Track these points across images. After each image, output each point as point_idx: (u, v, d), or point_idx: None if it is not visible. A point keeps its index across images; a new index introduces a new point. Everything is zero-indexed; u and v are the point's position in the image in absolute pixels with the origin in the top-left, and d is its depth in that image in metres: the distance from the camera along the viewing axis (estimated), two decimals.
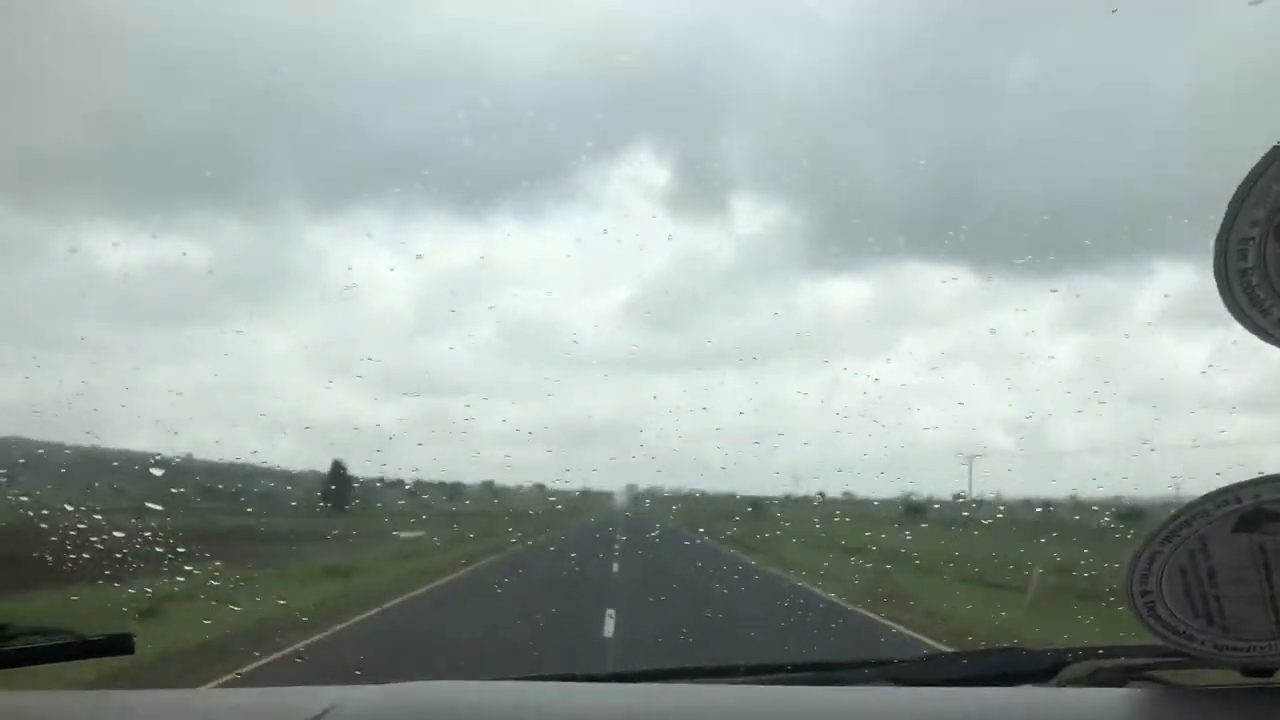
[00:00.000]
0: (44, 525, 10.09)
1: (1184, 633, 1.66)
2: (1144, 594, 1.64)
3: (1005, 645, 2.21)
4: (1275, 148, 1.25)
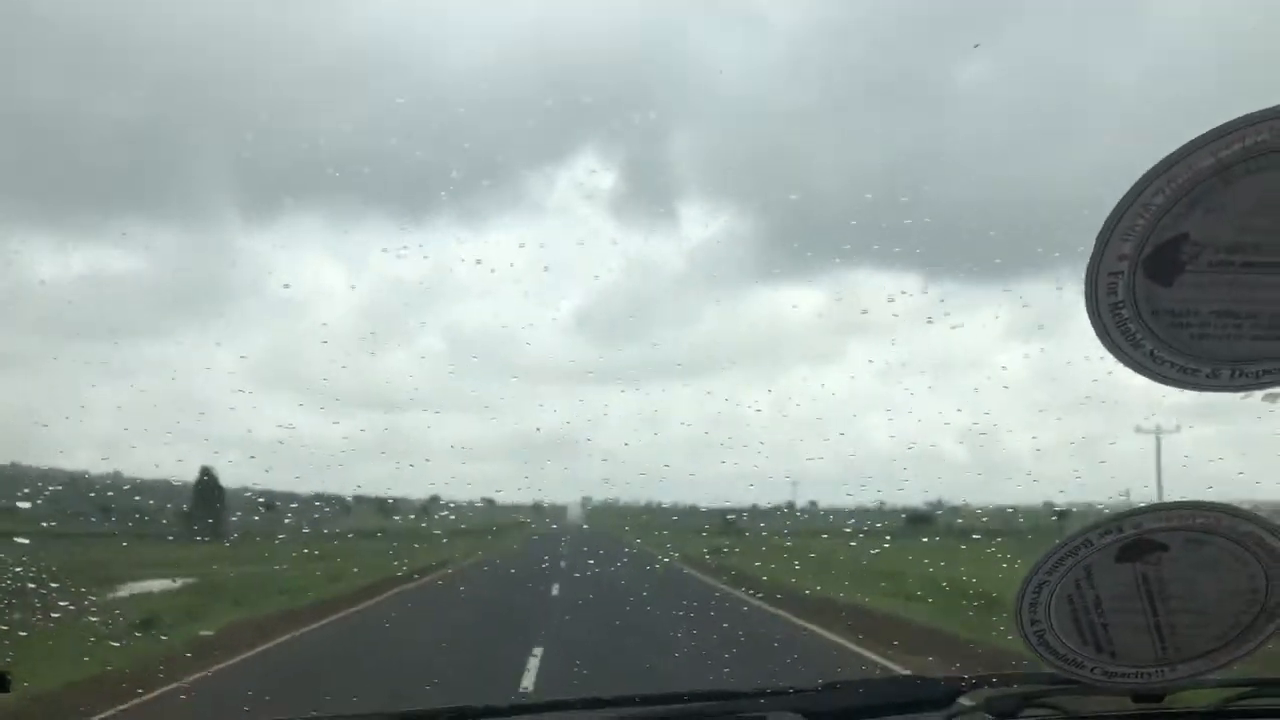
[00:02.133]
0: None
1: (1074, 660, 1.67)
2: (1033, 622, 1.65)
3: (902, 674, 2.22)
4: (1137, 182, 1.25)
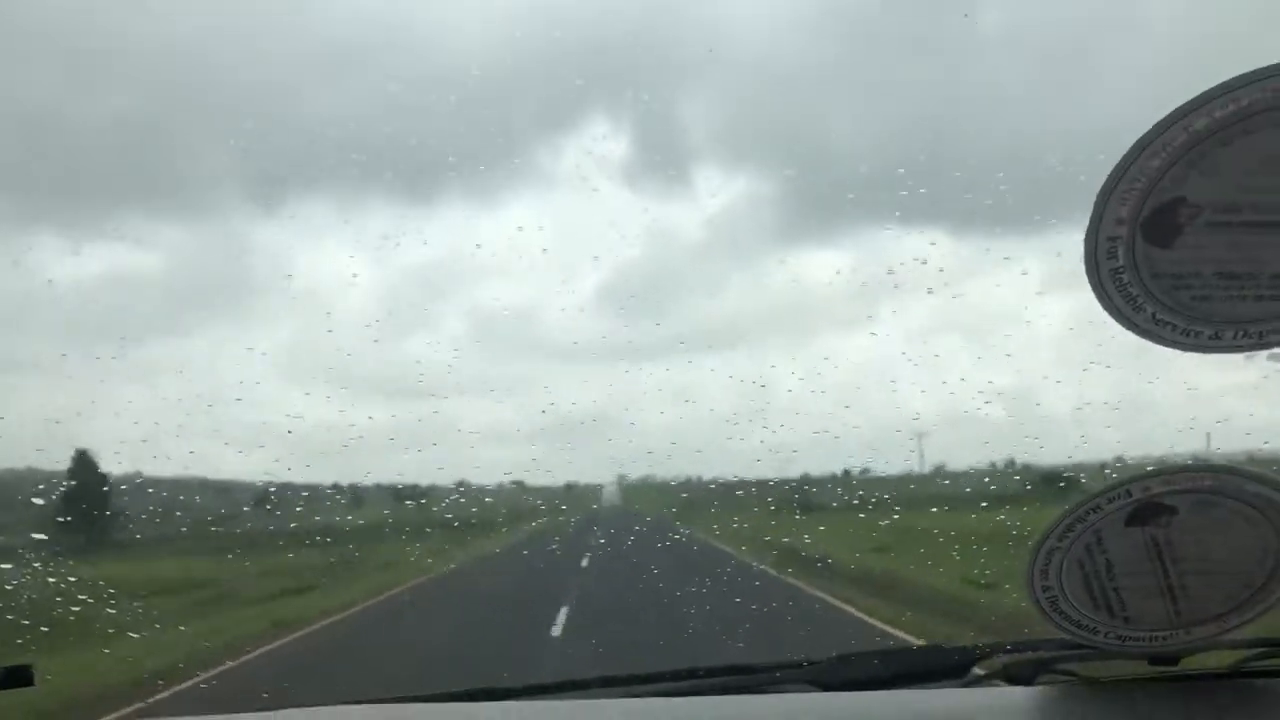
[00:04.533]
0: None
1: (1087, 626, 1.68)
2: (1045, 589, 1.65)
3: (916, 644, 2.23)
4: (1132, 146, 1.25)
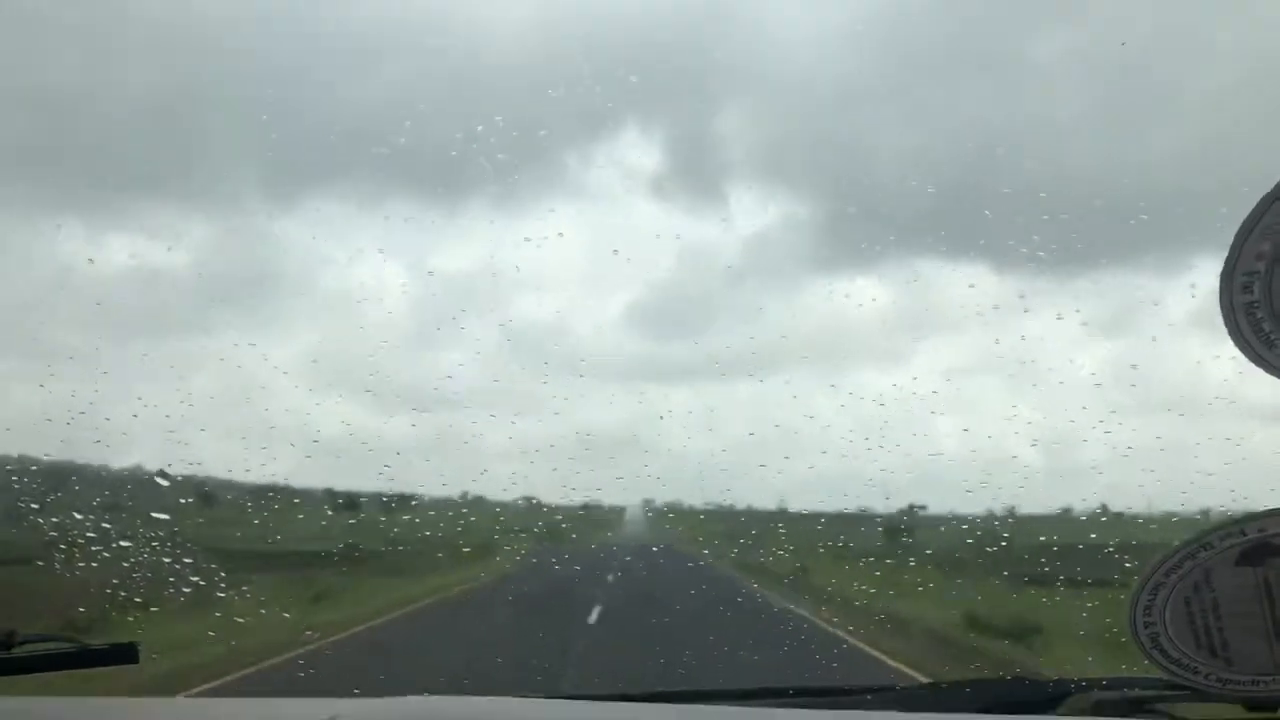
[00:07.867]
0: (53, 534, 10.09)
1: (1187, 665, 1.66)
2: (1148, 625, 1.64)
3: (1010, 675, 2.21)
4: (1279, 183, 1.26)
